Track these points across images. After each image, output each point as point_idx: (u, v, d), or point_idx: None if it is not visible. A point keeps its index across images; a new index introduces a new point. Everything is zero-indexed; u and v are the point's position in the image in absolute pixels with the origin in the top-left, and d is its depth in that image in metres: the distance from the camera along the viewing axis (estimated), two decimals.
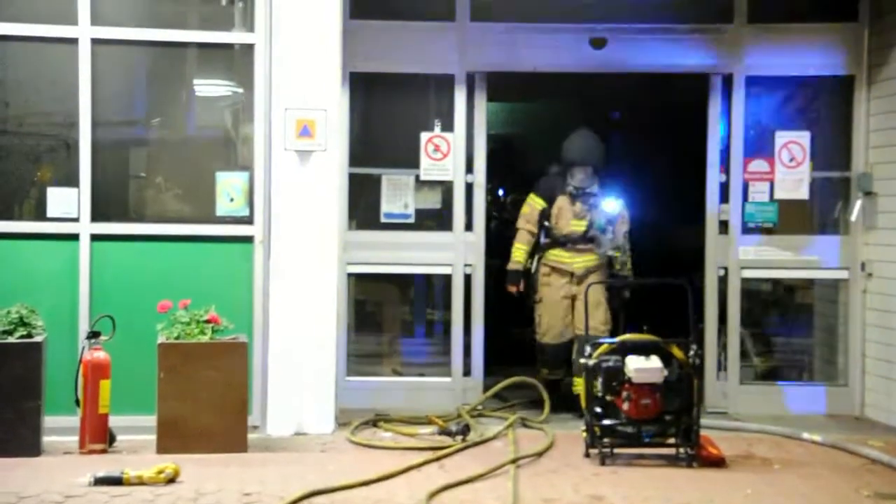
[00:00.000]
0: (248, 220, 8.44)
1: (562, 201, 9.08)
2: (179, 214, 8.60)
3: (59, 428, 7.71)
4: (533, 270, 9.15)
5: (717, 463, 7.40)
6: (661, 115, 11.90)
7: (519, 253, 9.16)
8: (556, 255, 9.10)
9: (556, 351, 9.06)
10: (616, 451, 7.47)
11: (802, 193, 9.39)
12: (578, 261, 9.06)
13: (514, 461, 7.37)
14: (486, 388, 9.34)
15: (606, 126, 12.40)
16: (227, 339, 7.72)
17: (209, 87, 8.99)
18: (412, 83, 9.44)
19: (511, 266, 9.17)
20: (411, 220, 9.41)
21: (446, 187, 9.42)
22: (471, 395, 9.29)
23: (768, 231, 9.40)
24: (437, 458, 7.48)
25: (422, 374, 9.67)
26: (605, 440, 7.48)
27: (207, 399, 7.55)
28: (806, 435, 8.24)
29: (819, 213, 9.64)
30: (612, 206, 9.07)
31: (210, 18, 8.55)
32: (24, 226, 8.34)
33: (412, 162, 9.33)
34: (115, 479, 6.67)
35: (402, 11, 9.23)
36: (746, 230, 9.38)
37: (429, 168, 9.33)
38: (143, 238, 8.42)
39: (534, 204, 9.15)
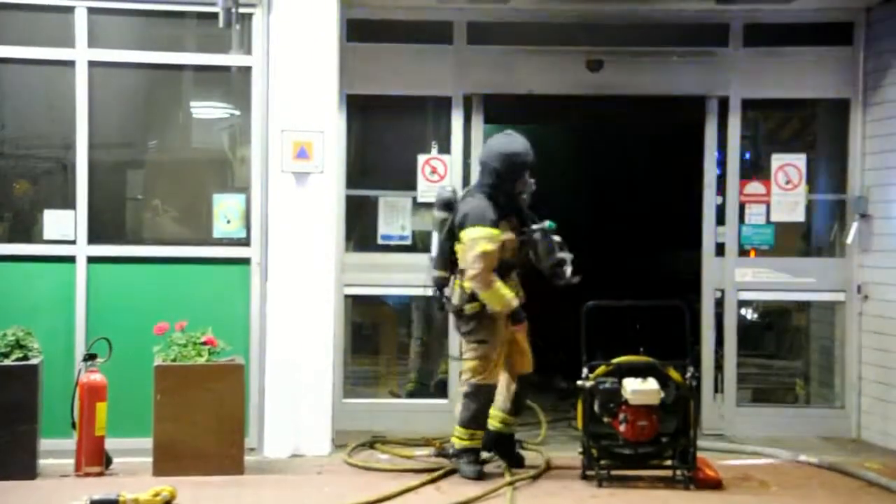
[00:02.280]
0: (245, 242, 8.45)
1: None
2: (176, 236, 8.60)
3: (56, 451, 7.70)
4: None
5: (714, 485, 7.39)
6: (656, 137, 11.94)
7: None
8: None
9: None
10: (613, 473, 7.47)
11: (798, 216, 9.41)
12: None
13: (510, 483, 7.36)
14: None
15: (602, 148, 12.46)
16: (224, 361, 7.71)
17: (206, 110, 9.01)
18: (409, 105, 9.46)
19: None
20: (408, 242, 9.42)
21: None
22: None
23: (764, 253, 9.42)
24: (434, 480, 7.48)
25: (418, 396, 9.65)
26: (603, 462, 7.48)
27: (204, 421, 7.54)
28: (803, 457, 8.24)
29: (815, 235, 9.66)
30: None
31: (207, 41, 8.57)
32: (21, 248, 8.34)
33: (409, 184, 9.33)
34: (111, 502, 6.65)
35: (399, 34, 9.26)
36: (743, 252, 9.39)
37: (426, 190, 9.33)
38: (140, 260, 8.42)
39: None
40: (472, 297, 7.62)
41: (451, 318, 8.12)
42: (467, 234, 7.57)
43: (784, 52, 9.36)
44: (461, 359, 8.05)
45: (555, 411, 9.63)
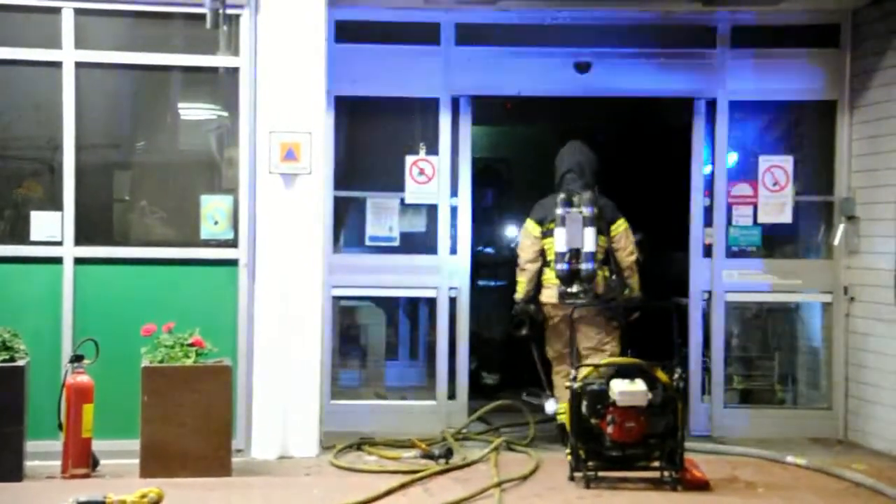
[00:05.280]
0: (233, 244, 8.43)
1: None
2: (163, 238, 8.58)
3: (42, 452, 7.67)
4: None
5: (702, 486, 7.40)
6: (645, 138, 11.94)
7: None
8: None
9: None
10: (601, 474, 7.47)
11: (786, 217, 9.43)
12: None
13: (498, 485, 7.36)
14: (471, 412, 9.33)
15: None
16: (212, 363, 7.70)
17: (193, 111, 8.99)
18: (397, 107, 9.47)
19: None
20: (396, 243, 9.42)
21: (431, 210, 9.43)
22: (456, 418, 9.27)
23: (752, 255, 9.44)
24: (420, 479, 7.48)
25: (405, 398, 9.65)
26: (590, 463, 7.48)
27: (191, 423, 7.53)
28: (790, 458, 8.25)
29: (802, 236, 9.68)
30: None
31: (194, 42, 8.54)
32: (7, 249, 8.31)
33: (397, 185, 9.34)
34: None
35: (387, 35, 9.26)
36: (730, 254, 9.41)
37: (414, 191, 9.34)
38: (127, 261, 8.40)
39: None
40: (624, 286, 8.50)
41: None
42: (624, 224, 8.65)
43: (771, 54, 9.39)
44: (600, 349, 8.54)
45: (543, 412, 9.62)
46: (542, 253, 8.67)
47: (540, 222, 8.69)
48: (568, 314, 8.29)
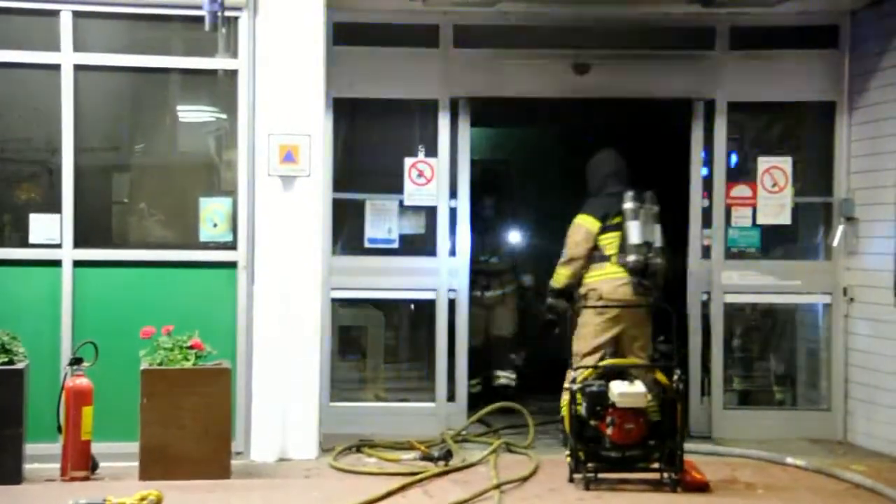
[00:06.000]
0: (232, 246, 8.43)
1: None
2: (162, 240, 8.58)
3: (41, 455, 7.67)
4: None
5: (701, 488, 7.40)
6: (644, 140, 11.94)
7: None
8: None
9: None
10: (600, 475, 7.47)
11: (785, 218, 9.43)
12: None
13: (498, 486, 7.36)
14: (470, 414, 9.33)
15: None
16: (211, 365, 7.70)
17: (192, 113, 8.99)
18: (396, 109, 9.46)
19: None
20: (395, 246, 9.41)
21: (430, 212, 9.43)
22: (455, 420, 9.27)
23: (751, 256, 9.43)
24: (420, 481, 7.49)
25: (405, 400, 9.65)
26: (590, 465, 7.48)
27: (190, 425, 7.53)
28: (789, 459, 8.25)
29: (801, 238, 9.68)
30: None
31: (193, 44, 8.55)
32: (7, 252, 8.30)
33: (396, 187, 9.33)
34: None
35: (386, 37, 9.25)
36: (729, 255, 9.41)
37: (413, 193, 9.33)
38: (126, 264, 8.39)
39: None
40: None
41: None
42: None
43: (770, 55, 9.39)
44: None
45: (543, 414, 9.63)
46: (594, 248, 8.60)
47: (602, 218, 8.54)
48: (630, 307, 8.32)
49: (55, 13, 8.27)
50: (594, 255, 8.51)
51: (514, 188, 12.28)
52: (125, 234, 8.72)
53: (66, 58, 8.29)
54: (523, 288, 11.15)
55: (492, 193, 10.62)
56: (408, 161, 9.33)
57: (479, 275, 10.42)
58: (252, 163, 8.34)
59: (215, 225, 8.47)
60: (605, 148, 8.94)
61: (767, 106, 9.61)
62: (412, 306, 9.81)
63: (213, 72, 8.59)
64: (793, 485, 7.68)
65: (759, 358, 9.87)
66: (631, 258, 8.36)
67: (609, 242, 8.51)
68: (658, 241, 8.44)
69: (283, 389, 8.25)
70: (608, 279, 8.46)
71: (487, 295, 10.74)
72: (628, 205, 8.43)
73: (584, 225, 8.58)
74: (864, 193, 9.11)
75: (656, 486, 7.44)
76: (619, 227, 8.46)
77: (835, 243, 9.29)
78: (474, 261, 9.81)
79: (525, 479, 7.68)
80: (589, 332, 8.41)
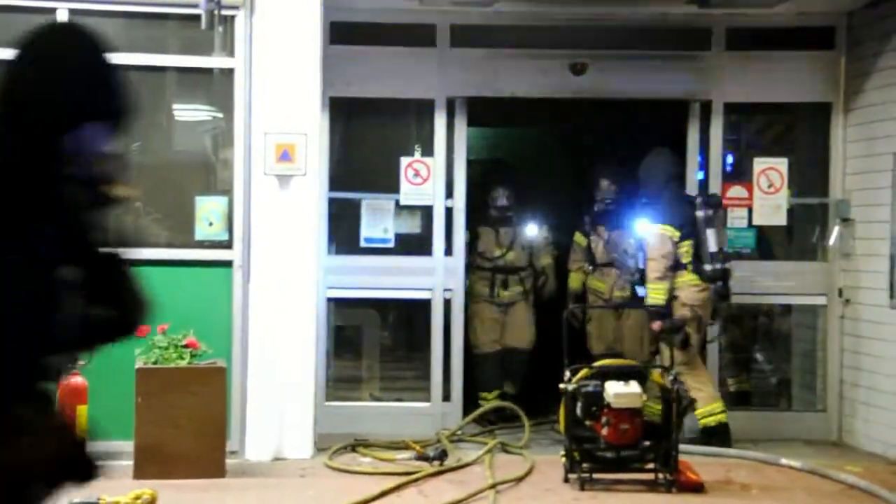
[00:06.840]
0: (228, 245, 8.42)
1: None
2: (158, 239, 8.57)
3: None
4: None
5: (696, 488, 7.40)
6: (640, 140, 11.94)
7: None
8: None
9: None
10: (595, 476, 7.47)
11: (780, 219, 9.44)
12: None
13: (493, 486, 7.35)
14: (466, 413, 9.32)
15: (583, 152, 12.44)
16: (206, 364, 7.69)
17: (189, 112, 8.98)
18: (392, 108, 9.47)
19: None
20: (391, 245, 9.40)
21: (426, 212, 9.43)
22: (451, 420, 9.26)
23: (747, 257, 9.43)
24: (415, 481, 7.49)
25: (401, 399, 9.65)
26: (585, 465, 7.48)
27: (185, 424, 7.51)
28: (784, 460, 8.25)
29: (797, 239, 9.69)
30: None
31: (189, 43, 8.54)
32: None
33: (392, 187, 9.33)
34: None
35: (383, 37, 9.25)
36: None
37: (409, 193, 9.33)
38: None
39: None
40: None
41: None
42: None
43: (766, 57, 9.40)
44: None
45: (538, 414, 9.62)
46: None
47: (680, 227, 8.58)
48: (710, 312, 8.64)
49: (52, 10, 8.24)
50: None
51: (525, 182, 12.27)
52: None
53: None
54: (541, 287, 10.23)
55: (506, 185, 10.05)
56: (404, 160, 9.32)
57: (494, 272, 9.93)
58: (248, 162, 8.33)
59: (211, 224, 8.46)
60: (659, 147, 8.97)
61: (764, 107, 9.63)
62: (408, 306, 9.80)
63: (210, 70, 8.59)
64: (788, 485, 7.68)
65: (754, 359, 9.87)
66: (709, 267, 8.51)
67: (685, 250, 8.60)
68: (727, 245, 8.67)
69: (279, 388, 8.24)
70: (684, 287, 8.58)
71: (504, 294, 9.92)
72: (701, 212, 8.54)
73: (666, 236, 8.61)
74: (860, 195, 9.11)
75: (651, 486, 7.43)
76: (693, 235, 8.55)
77: (831, 244, 9.29)
78: (487, 258, 9.78)
79: (520, 479, 7.67)
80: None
